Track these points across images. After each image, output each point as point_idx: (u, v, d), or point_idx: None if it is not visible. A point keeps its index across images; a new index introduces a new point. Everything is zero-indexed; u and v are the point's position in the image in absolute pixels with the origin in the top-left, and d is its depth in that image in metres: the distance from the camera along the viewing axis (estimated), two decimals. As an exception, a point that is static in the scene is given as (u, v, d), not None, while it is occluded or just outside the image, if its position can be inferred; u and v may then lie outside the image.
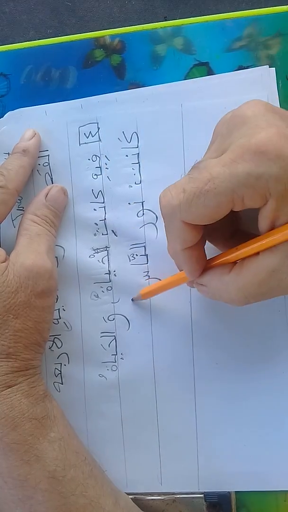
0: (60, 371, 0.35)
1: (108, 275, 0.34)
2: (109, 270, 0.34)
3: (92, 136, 0.34)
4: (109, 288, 0.34)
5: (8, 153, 0.35)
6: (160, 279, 0.34)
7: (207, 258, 0.29)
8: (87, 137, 0.34)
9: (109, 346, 0.34)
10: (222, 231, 0.29)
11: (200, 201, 0.24)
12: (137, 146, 0.34)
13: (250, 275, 0.25)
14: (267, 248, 0.25)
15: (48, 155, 0.35)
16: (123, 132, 0.34)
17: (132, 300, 0.34)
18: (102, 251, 0.34)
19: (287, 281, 0.24)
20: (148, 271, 0.34)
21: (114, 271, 0.34)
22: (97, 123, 0.34)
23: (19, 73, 0.36)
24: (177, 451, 0.34)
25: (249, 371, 0.33)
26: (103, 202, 0.34)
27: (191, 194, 0.24)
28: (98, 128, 0.34)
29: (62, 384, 0.35)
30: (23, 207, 0.35)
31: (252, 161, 0.23)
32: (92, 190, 0.34)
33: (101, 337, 0.34)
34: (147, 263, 0.34)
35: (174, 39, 0.34)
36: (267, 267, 0.25)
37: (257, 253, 0.25)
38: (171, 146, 0.33)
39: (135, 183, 0.34)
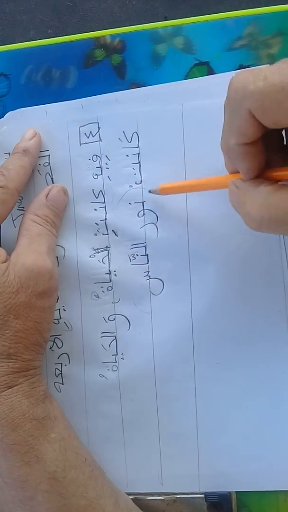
0: (61, 371, 0.35)
1: (108, 275, 0.34)
2: (109, 270, 0.34)
3: (93, 136, 0.34)
4: (110, 288, 0.34)
5: (9, 153, 0.35)
6: (161, 279, 0.34)
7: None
8: (88, 137, 0.34)
9: (109, 346, 0.34)
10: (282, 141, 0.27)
11: (279, 97, 0.21)
12: (138, 146, 0.34)
13: (285, 200, 0.23)
14: None
15: (49, 155, 0.35)
16: (123, 132, 0.34)
17: (149, 191, 0.33)
18: (102, 251, 0.34)
19: None
20: (148, 271, 0.34)
21: (115, 271, 0.34)
22: (98, 123, 0.34)
23: (19, 73, 0.36)
24: (177, 451, 0.33)
25: (250, 371, 0.33)
26: (104, 202, 0.34)
27: (272, 85, 0.21)
28: (99, 128, 0.34)
29: (62, 384, 0.35)
30: (23, 207, 0.35)
31: None
32: (93, 190, 0.34)
33: (101, 337, 0.34)
34: (147, 263, 0.34)
35: (174, 39, 0.34)
36: None
37: None
38: (171, 145, 0.33)
39: (136, 183, 0.34)
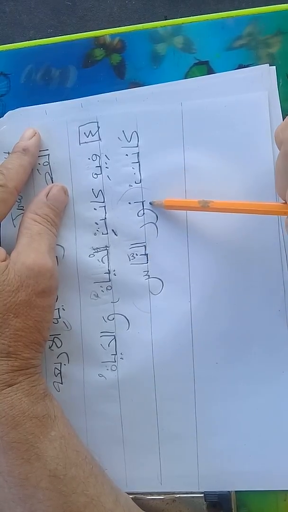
0: (60, 370, 0.35)
1: (108, 274, 0.34)
2: (108, 270, 0.34)
3: (92, 136, 0.34)
4: (109, 288, 0.34)
5: (8, 152, 0.35)
6: (160, 279, 0.34)
7: None
8: (87, 137, 0.34)
9: (108, 346, 0.34)
10: None
11: None
12: (137, 145, 0.34)
13: None
14: None
15: (48, 154, 0.35)
16: (123, 131, 0.34)
17: (150, 203, 0.33)
18: (102, 250, 0.34)
19: None
20: (148, 271, 0.34)
21: (114, 271, 0.34)
22: (97, 122, 0.34)
23: (19, 73, 0.36)
24: (177, 451, 0.33)
25: (249, 371, 0.33)
26: (103, 202, 0.34)
27: None
28: (98, 127, 0.34)
29: (61, 383, 0.35)
30: (23, 207, 0.35)
31: None
32: (92, 189, 0.34)
33: (100, 336, 0.34)
34: (147, 263, 0.34)
35: (174, 38, 0.34)
36: None
37: None
38: (171, 145, 0.33)
39: (135, 182, 0.34)
